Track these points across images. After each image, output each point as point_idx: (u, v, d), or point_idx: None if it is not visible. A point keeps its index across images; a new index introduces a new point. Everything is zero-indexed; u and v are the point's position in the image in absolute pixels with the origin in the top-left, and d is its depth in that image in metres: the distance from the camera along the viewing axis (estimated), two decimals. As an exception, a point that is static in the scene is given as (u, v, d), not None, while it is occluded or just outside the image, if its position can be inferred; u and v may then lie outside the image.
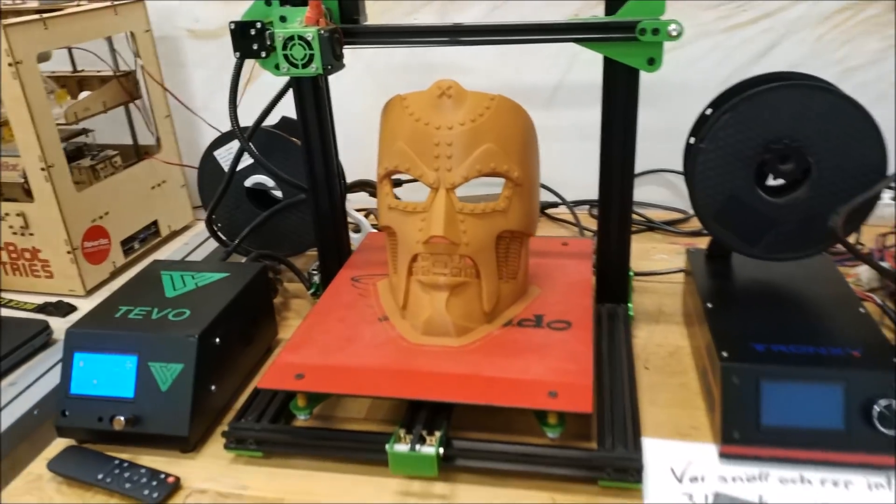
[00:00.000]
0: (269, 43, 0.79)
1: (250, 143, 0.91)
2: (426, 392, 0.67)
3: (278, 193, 1.03)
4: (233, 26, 0.80)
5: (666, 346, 0.86)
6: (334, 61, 0.77)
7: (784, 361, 0.67)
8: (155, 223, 1.24)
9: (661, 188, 1.24)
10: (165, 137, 1.25)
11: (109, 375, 0.74)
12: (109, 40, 1.20)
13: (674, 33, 0.71)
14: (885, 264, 0.84)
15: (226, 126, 1.24)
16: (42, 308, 1.04)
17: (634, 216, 1.21)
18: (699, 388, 0.78)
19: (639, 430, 0.68)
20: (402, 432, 0.66)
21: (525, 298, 0.80)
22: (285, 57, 0.76)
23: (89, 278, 1.09)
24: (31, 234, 1.06)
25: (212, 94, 1.33)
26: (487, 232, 0.74)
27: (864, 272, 0.92)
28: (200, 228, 1.31)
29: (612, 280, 0.86)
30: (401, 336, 0.75)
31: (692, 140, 0.82)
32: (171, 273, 0.86)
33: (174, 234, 1.29)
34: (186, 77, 1.33)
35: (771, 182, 0.77)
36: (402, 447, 0.64)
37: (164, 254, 1.23)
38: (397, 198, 0.77)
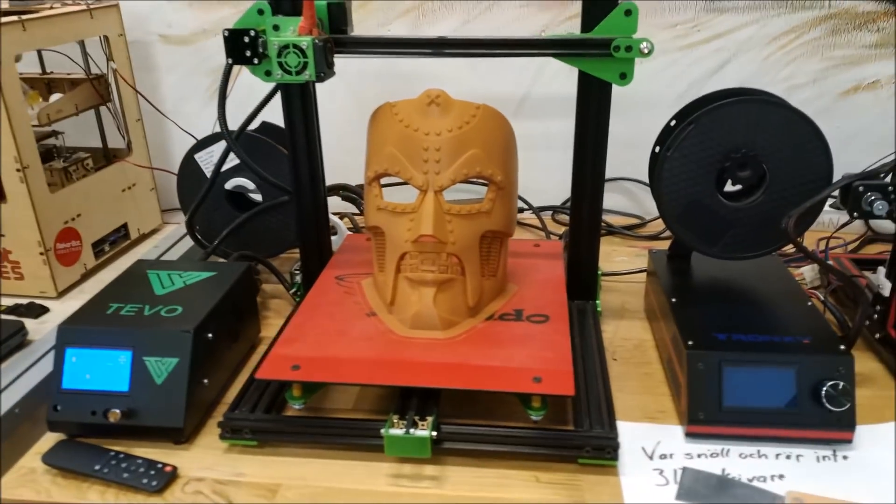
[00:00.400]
0: (261, 50, 0.82)
1: (245, 146, 0.94)
2: (420, 380, 0.71)
3: (257, 197, 1.06)
4: (227, 34, 0.82)
5: (631, 339, 0.92)
6: (326, 69, 0.80)
7: (743, 349, 0.74)
8: (125, 226, 1.25)
9: (619, 195, 1.31)
10: (136, 141, 1.26)
11: (103, 370, 0.75)
12: (82, 43, 1.21)
13: (645, 51, 0.77)
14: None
15: (196, 130, 1.27)
16: (13, 309, 1.04)
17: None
18: (663, 376, 0.85)
19: (613, 412, 0.74)
20: (395, 418, 0.70)
21: (504, 294, 0.85)
22: (279, 64, 0.79)
23: (61, 280, 1.10)
24: (2, 235, 1.06)
25: (182, 99, 1.35)
26: (473, 232, 0.79)
27: (807, 272, 1.00)
28: (169, 231, 1.33)
29: (583, 278, 0.92)
30: (389, 330, 0.79)
31: (657, 149, 0.89)
32: (158, 272, 0.88)
33: (143, 237, 1.30)
34: (156, 81, 1.34)
35: (728, 188, 0.84)
36: (397, 431, 0.68)
37: (134, 256, 1.23)
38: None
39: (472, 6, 1.21)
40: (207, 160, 1.03)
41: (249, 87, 1.25)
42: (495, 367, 0.72)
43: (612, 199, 1.31)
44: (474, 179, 0.79)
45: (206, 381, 0.78)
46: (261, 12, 0.83)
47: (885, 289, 0.83)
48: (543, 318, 0.80)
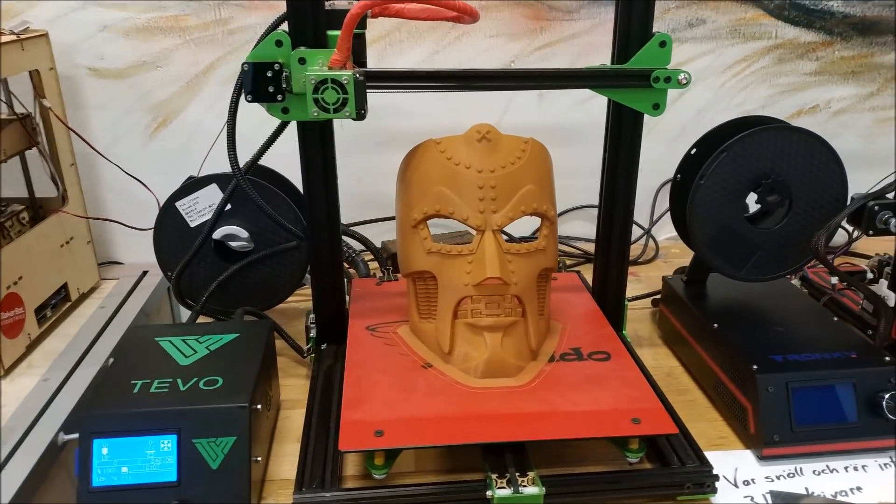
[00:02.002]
0: (284, 86, 0.75)
1: (236, 191, 0.85)
2: (517, 433, 0.67)
3: (241, 246, 0.96)
4: (246, 67, 0.74)
5: (660, 367, 0.93)
6: (364, 105, 0.75)
7: (802, 368, 0.76)
8: (65, 286, 1.09)
9: (584, 222, 1.33)
10: (71, 188, 1.11)
11: (143, 460, 0.64)
12: (5, 81, 1.05)
13: (684, 81, 0.79)
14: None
15: (136, 174, 1.15)
16: (-46, 396, 0.88)
17: (571, 249, 1.29)
18: (707, 402, 0.86)
19: (697, 444, 0.73)
20: (494, 477, 0.65)
21: (553, 333, 0.83)
22: (315, 101, 0.72)
23: (7, 355, 0.93)
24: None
25: (116, 140, 1.21)
26: (532, 270, 0.76)
27: (794, 287, 1.06)
28: (110, 289, 1.18)
29: (611, 309, 0.91)
30: (455, 381, 0.74)
31: (679, 177, 0.90)
32: (171, 339, 0.77)
33: (83, 297, 1.14)
34: (84, 120, 1.19)
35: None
36: (504, 491, 0.64)
37: (79, 320, 1.08)
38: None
39: (441, 37, 1.18)
40: (191, 208, 0.92)
41: (184, 128, 1.21)
42: (589, 411, 0.69)
43: (577, 226, 1.33)
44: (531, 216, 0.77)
45: (258, 458, 0.69)
46: (279, 44, 0.76)
47: (890, 299, 0.89)
48: (605, 355, 0.79)
